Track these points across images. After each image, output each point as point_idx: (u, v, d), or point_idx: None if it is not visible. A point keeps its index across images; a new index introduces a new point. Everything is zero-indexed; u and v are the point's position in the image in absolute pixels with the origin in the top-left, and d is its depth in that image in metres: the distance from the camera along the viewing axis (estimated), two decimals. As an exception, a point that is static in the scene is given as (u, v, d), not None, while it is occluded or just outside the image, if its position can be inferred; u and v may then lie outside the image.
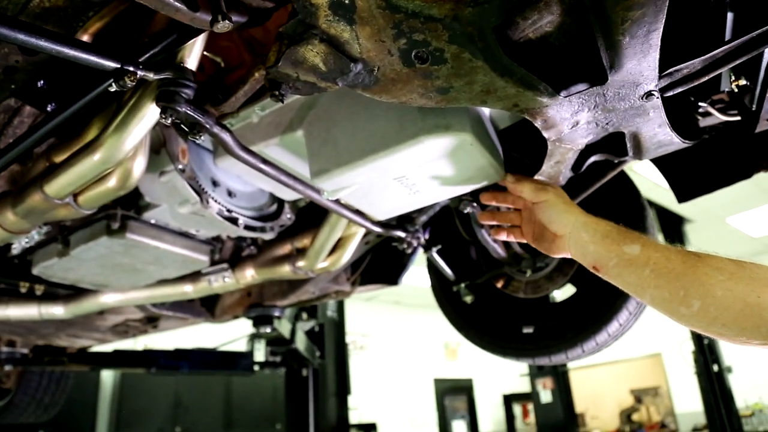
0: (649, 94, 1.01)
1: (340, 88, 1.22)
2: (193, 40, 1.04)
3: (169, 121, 1.01)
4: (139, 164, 1.19)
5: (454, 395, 13.38)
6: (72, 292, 2.28)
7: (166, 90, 1.00)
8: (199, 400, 8.14)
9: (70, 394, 4.06)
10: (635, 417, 13.16)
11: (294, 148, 1.31)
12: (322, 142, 1.19)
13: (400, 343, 12.72)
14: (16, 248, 1.53)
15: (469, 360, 13.45)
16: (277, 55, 0.90)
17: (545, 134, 1.12)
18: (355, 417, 10.09)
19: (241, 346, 4.68)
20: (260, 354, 4.06)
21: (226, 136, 1.11)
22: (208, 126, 1.06)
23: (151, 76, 0.99)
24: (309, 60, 0.89)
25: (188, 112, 1.02)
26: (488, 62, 0.87)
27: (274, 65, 0.90)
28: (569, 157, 1.25)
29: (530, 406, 13.41)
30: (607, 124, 1.12)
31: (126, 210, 1.54)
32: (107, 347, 3.77)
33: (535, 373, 9.45)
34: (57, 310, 2.32)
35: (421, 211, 1.73)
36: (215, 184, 1.50)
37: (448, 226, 2.27)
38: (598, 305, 2.04)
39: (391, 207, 1.35)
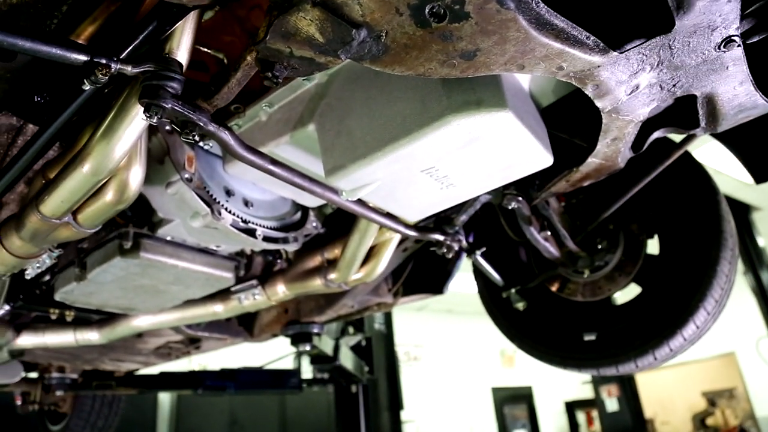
0: (728, 41, 0.81)
1: (351, 69, 1.07)
2: (179, 28, 0.92)
3: (154, 120, 0.88)
4: (136, 174, 1.07)
5: (513, 404, 12.97)
6: (105, 317, 2.21)
7: (149, 85, 0.87)
8: (254, 417, 8.13)
9: (130, 414, 4.07)
10: (710, 421, 12.34)
11: (307, 146, 1.16)
12: (335, 135, 1.04)
13: (455, 353, 12.44)
14: (29, 273, 1.45)
15: (527, 367, 13.00)
16: (267, 29, 0.75)
17: (598, 104, 0.93)
18: (412, 429, 9.87)
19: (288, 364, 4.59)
20: (308, 371, 3.95)
21: (225, 135, 0.97)
22: (201, 124, 0.93)
23: (129, 69, 0.86)
24: (302, 30, 0.74)
25: (176, 108, 0.88)
26: (521, 13, 0.70)
27: (262, 41, 0.75)
28: (629, 132, 1.05)
29: (594, 413, 12.87)
30: (674, 86, 0.92)
31: (139, 227, 1.43)
32: (163, 369, 3.74)
33: (599, 380, 8.97)
34: (92, 336, 2.26)
35: (459, 209, 1.55)
36: (229, 193, 1.38)
37: (493, 226, 2.08)
38: (669, 306, 1.79)
39: (422, 206, 1.18)
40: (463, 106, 0.90)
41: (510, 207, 1.47)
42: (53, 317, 2.02)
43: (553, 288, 2.08)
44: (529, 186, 1.50)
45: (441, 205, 1.18)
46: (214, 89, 0.93)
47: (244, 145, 1.02)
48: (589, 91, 0.89)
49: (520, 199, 1.47)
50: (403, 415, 5.10)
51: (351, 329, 4.09)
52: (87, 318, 2.23)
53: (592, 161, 1.17)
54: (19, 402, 3.95)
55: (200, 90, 0.95)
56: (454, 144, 0.95)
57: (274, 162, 1.07)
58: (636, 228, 1.90)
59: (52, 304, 2.03)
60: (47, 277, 1.88)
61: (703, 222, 1.78)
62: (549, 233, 1.67)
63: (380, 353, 4.67)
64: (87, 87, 0.85)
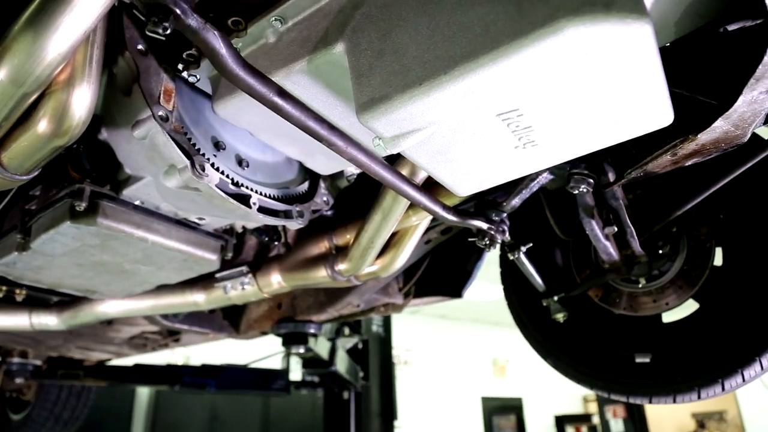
0: None
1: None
2: None
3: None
4: (83, 95, 0.74)
5: (502, 414, 12.67)
6: (65, 300, 1.88)
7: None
8: (236, 414, 7.79)
9: (105, 404, 3.73)
10: (698, 444, 12.07)
11: (330, 77, 0.84)
12: (375, 55, 0.71)
13: (446, 359, 12.12)
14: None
15: (519, 378, 12.72)
16: None
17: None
18: (398, 436, 9.55)
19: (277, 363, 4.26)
20: (296, 373, 3.63)
21: (214, 38, 0.65)
22: (178, 10, 0.61)
23: None
24: None
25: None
26: None
27: None
28: (796, 80, 0.73)
29: (584, 429, 12.63)
30: None
31: (99, 185, 1.10)
32: (141, 359, 3.40)
33: (605, 399, 8.63)
34: (50, 321, 1.93)
35: (513, 190, 1.22)
36: (219, 146, 1.05)
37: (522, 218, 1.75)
38: (743, 327, 1.48)
39: (484, 172, 0.85)
40: (585, 6, 0.58)
41: (576, 192, 1.15)
42: None
43: (591, 294, 1.76)
44: (600, 168, 1.18)
45: (510, 173, 0.86)
46: (199, -43, 0.61)
47: (241, 61, 0.69)
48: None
49: (591, 182, 1.15)
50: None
51: (347, 330, 3.76)
52: (45, 299, 1.90)
53: (720, 126, 0.85)
54: (-22, 386, 3.62)
55: (179, -39, 0.62)
56: (558, 71, 0.62)
57: (283, 93, 0.74)
58: (705, 232, 1.59)
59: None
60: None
61: None
62: (615, 229, 1.34)
63: (376, 358, 4.35)
64: None
